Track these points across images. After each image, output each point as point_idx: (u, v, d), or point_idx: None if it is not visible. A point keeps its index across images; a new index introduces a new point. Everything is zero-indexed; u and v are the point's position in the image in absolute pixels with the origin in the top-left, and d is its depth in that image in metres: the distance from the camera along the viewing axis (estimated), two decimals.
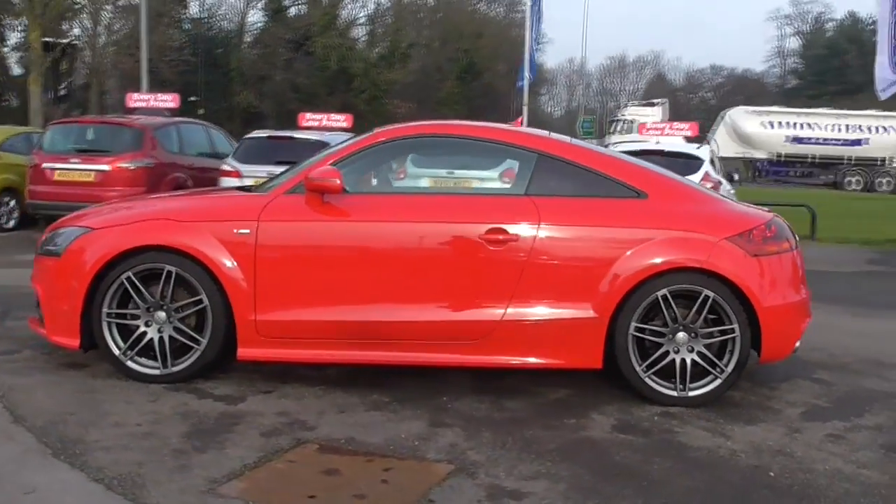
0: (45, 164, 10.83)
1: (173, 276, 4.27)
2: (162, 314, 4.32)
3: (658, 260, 4.17)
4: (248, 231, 4.27)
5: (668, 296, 4.17)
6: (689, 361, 4.22)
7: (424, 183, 10.38)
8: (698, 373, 4.24)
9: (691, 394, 4.22)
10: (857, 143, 32.13)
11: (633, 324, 4.19)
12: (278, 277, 4.26)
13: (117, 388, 4.24)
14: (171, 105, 13.47)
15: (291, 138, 11.35)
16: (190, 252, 4.24)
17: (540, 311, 4.22)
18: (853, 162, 32.50)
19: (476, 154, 4.60)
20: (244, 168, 10.85)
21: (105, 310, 4.31)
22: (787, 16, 76.85)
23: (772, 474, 3.42)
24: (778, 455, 3.64)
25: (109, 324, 4.33)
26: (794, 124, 32.54)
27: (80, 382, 4.33)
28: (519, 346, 4.26)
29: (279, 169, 10.66)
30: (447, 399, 4.28)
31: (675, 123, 12.35)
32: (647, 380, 4.22)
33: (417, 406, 4.15)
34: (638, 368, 4.21)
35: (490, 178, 9.96)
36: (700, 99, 74.97)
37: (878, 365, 5.19)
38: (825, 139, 32.29)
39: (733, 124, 32.96)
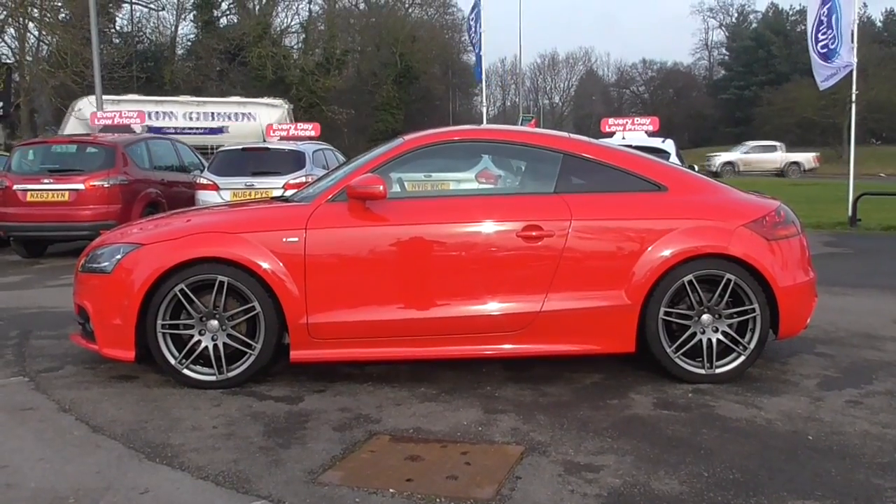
0: (16, 186, 10.70)
1: (225, 285, 4.43)
2: (215, 322, 4.49)
3: (683, 248, 4.50)
4: (296, 239, 4.46)
5: (694, 281, 4.52)
6: (714, 341, 4.56)
7: (398, 188, 10.70)
8: (722, 351, 4.58)
9: (718, 371, 4.56)
10: (220, 130, 27.45)
11: (663, 308, 4.52)
12: (327, 281, 4.47)
13: (176, 396, 4.38)
14: (137, 122, 13.41)
15: (266, 149, 11.47)
16: (241, 262, 4.42)
17: (576, 301, 4.52)
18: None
19: (503, 157, 4.86)
20: (221, 181, 10.95)
21: (160, 321, 4.46)
22: (710, 9, 79.46)
23: (810, 438, 3.77)
24: (809, 421, 4.00)
25: (164, 335, 4.47)
26: (152, 113, 26.01)
27: (139, 392, 4.46)
28: (557, 335, 4.55)
29: (257, 180, 10.92)
30: (490, 388, 4.55)
31: (637, 118, 12.66)
32: (677, 360, 4.55)
33: (465, 396, 4.41)
34: (668, 350, 4.54)
35: (466, 180, 10.27)
36: (633, 93, 76.67)
37: (869, 337, 5.64)
38: (184, 128, 26.85)
39: (81, 115, 25.52)
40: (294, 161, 11.24)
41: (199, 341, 4.50)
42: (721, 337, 4.58)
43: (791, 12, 67.02)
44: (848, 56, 14.81)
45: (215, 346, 4.50)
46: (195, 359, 4.50)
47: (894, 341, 5.60)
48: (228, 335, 4.50)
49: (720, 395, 4.39)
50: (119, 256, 4.56)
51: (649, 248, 4.51)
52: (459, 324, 4.50)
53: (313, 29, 51.10)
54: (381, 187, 4.42)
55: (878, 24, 64.77)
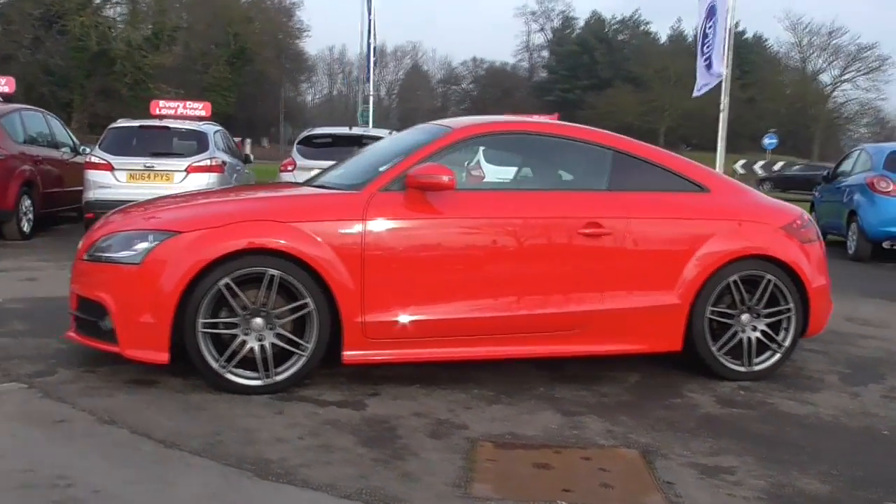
0: None
1: (276, 280, 4.02)
2: (259, 321, 4.06)
3: (731, 248, 4.59)
4: (354, 231, 4.12)
5: (738, 280, 4.62)
6: (753, 339, 4.69)
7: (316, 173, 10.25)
8: (759, 349, 4.72)
9: (756, 368, 4.70)
10: None
11: (709, 308, 4.60)
12: (386, 277, 4.16)
13: (222, 402, 3.92)
14: (6, 90, 11.98)
15: (166, 128, 10.61)
16: (295, 254, 4.02)
17: (630, 300, 4.49)
18: None
19: (551, 150, 4.73)
20: (116, 160, 10.04)
21: (201, 320, 3.97)
22: (533, 13, 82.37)
23: (885, 433, 3.96)
24: (867, 416, 4.19)
25: (205, 335, 3.99)
26: None
27: (174, 399, 3.96)
28: (612, 334, 4.51)
29: (157, 161, 10.05)
30: (544, 389, 4.42)
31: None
32: (720, 358, 4.64)
33: (525, 398, 4.25)
34: (713, 349, 4.62)
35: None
36: (463, 90, 78.12)
37: (838, 335, 6.01)
38: None
39: None
40: (197, 142, 10.48)
41: (243, 342, 4.05)
42: (760, 335, 4.71)
43: (612, 21, 71.04)
44: (719, 67, 15.83)
45: (262, 346, 4.06)
46: (237, 362, 4.05)
47: (863, 337, 6.03)
48: (276, 335, 4.09)
49: (768, 392, 4.52)
50: (149, 245, 4.01)
51: (700, 248, 4.56)
52: (519, 322, 4.35)
53: (143, 1, 47.96)
54: (448, 177, 4.17)
55: (690, 38, 69.88)
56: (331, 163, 10.26)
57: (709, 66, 16.15)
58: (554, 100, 66.69)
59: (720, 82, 15.88)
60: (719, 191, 4.79)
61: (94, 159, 10.09)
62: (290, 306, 4.06)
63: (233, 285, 3.98)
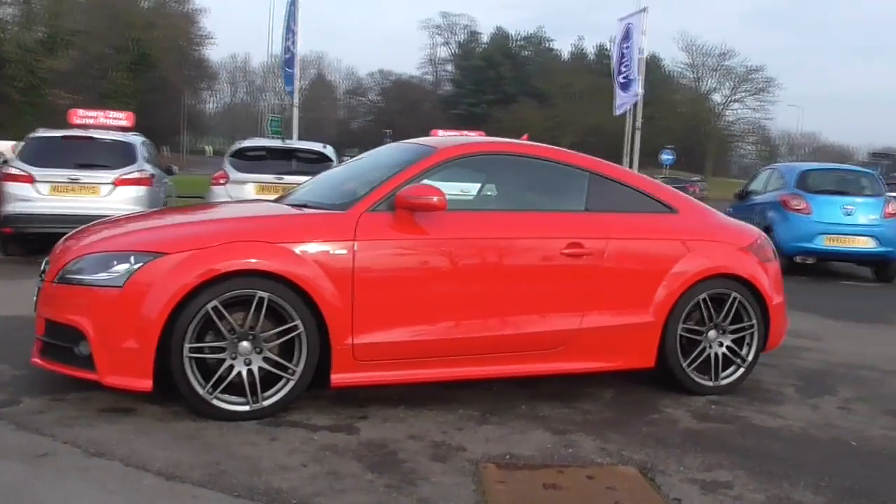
0: None
1: (265, 302, 3.93)
2: (246, 344, 3.96)
3: (701, 268, 4.77)
4: (345, 251, 4.07)
5: (707, 298, 4.79)
6: (720, 354, 4.88)
7: (251, 187, 10.07)
8: (723, 364, 4.90)
9: (722, 382, 4.88)
10: None
11: (680, 325, 4.75)
12: (376, 298, 4.13)
13: (212, 430, 3.80)
14: None
15: (91, 138, 10.18)
16: (285, 275, 3.94)
17: (610, 319, 4.60)
18: None
19: (532, 171, 4.79)
20: (37, 172, 9.59)
21: (188, 345, 3.83)
22: (437, 26, 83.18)
23: (854, 444, 4.18)
24: (832, 428, 4.40)
25: (191, 360, 3.86)
26: None
27: (160, 427, 3.81)
28: (591, 352, 4.60)
29: (82, 173, 9.63)
30: (526, 407, 4.47)
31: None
32: (690, 374, 4.80)
33: (511, 417, 4.29)
34: (683, 364, 4.77)
35: None
36: (370, 101, 77.99)
37: (789, 349, 6.24)
38: None
39: None
40: (124, 154, 10.10)
41: (230, 366, 3.93)
42: (725, 351, 4.90)
43: (517, 37, 72.39)
44: (636, 87, 16.39)
45: (249, 371, 3.96)
46: (218, 386, 3.93)
47: (805, 350, 6.33)
48: (264, 359, 3.99)
49: (737, 406, 4.69)
50: (132, 266, 3.85)
51: (672, 268, 4.71)
52: (505, 342, 4.38)
53: (37, 2, 45.92)
54: (437, 198, 4.17)
55: (591, 56, 72.01)
56: (265, 176, 10.22)
57: (626, 87, 16.70)
58: (461, 113, 67.48)
59: (636, 101, 16.50)
60: (686, 212, 4.96)
61: (12, 170, 9.59)
62: (278, 329, 3.98)
63: (221, 308, 3.87)
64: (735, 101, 63.27)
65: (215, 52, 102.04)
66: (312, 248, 4.03)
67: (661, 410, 4.55)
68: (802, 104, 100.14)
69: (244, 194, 9.87)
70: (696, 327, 4.82)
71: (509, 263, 4.39)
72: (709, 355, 4.84)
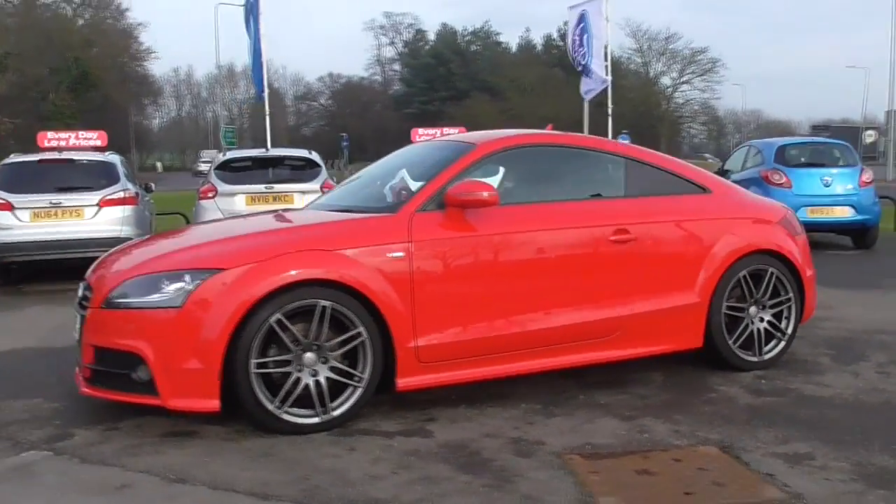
0: None
1: (328, 311, 3.86)
2: (311, 355, 3.89)
3: (741, 245, 4.82)
4: (402, 254, 4.03)
5: (747, 275, 4.85)
6: (761, 330, 4.93)
7: (241, 199, 9.92)
8: (765, 338, 4.96)
9: (766, 357, 4.94)
10: None
11: (724, 303, 4.79)
12: (436, 298, 4.09)
13: (286, 445, 3.73)
14: None
15: (70, 160, 9.92)
16: (347, 282, 3.88)
17: (659, 302, 4.62)
18: None
19: (572, 161, 4.79)
20: (16, 198, 9.32)
21: (253, 360, 3.76)
22: (382, 26, 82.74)
23: None
24: (878, 392, 4.49)
25: (258, 375, 3.78)
26: None
27: (229, 447, 3.73)
28: (643, 337, 4.62)
29: (64, 196, 9.38)
30: (584, 397, 4.48)
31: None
32: (735, 351, 4.85)
33: (573, 407, 4.29)
34: (729, 342, 4.82)
35: (311, 191, 9.86)
36: (322, 105, 77.37)
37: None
38: None
39: None
40: (104, 174, 9.86)
41: (297, 379, 3.86)
42: (766, 326, 4.95)
43: (464, 33, 72.48)
44: (602, 73, 16.48)
45: (317, 382, 3.89)
46: (287, 400, 3.86)
47: (824, 320, 6.40)
48: (331, 368, 3.93)
49: (785, 379, 4.75)
50: (188, 285, 3.76)
51: (714, 247, 4.76)
52: (561, 333, 4.38)
53: None
54: (488, 193, 4.14)
55: (539, 47, 72.41)
56: (255, 186, 10.06)
57: (587, 73, 16.78)
58: (414, 112, 67.32)
59: (606, 87, 16.61)
60: (718, 191, 5.01)
61: None
62: (342, 337, 3.91)
63: (284, 321, 3.80)
64: (683, 83, 64.36)
65: (158, 67, 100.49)
66: (369, 252, 3.98)
67: (715, 389, 4.59)
68: (744, 83, 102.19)
69: (234, 206, 9.73)
70: (737, 304, 4.87)
71: (560, 254, 4.39)
72: (751, 331, 4.89)
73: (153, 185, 12.40)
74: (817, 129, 60.82)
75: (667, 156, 5.14)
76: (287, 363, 3.84)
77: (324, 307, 3.85)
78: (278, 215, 4.82)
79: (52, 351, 5.69)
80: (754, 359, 4.90)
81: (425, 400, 4.33)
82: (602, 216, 4.53)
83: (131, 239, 7.30)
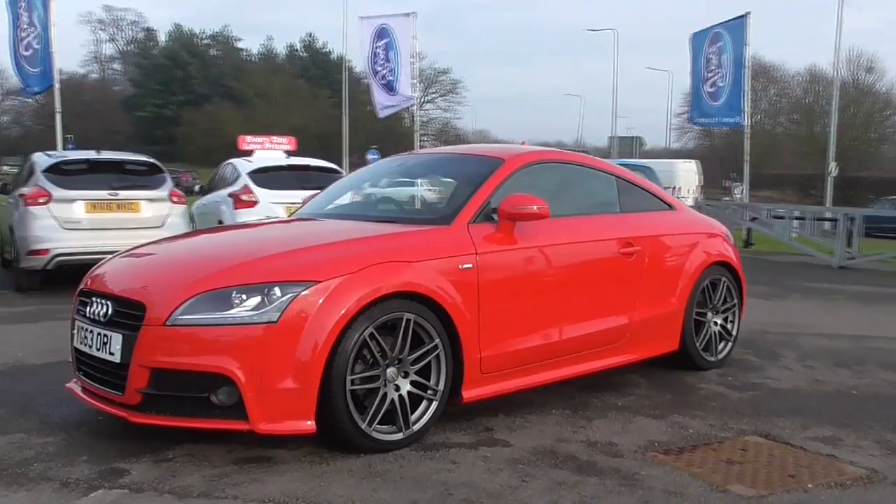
0: None
1: (412, 324, 3.80)
2: (392, 370, 3.79)
3: (707, 257, 5.40)
4: (471, 266, 4.06)
5: (709, 284, 5.43)
6: (715, 333, 5.54)
7: (80, 205, 9.01)
8: (717, 341, 5.57)
9: (720, 357, 5.55)
10: None
11: (694, 310, 5.33)
12: (497, 309, 4.16)
13: (384, 464, 3.60)
14: None
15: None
16: (430, 294, 3.84)
17: (652, 310, 5.03)
18: None
19: (578, 177, 5.04)
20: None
21: (349, 377, 3.59)
22: (101, 21, 76.79)
23: (855, 393, 5.04)
24: (824, 383, 5.25)
25: (352, 392, 3.61)
26: None
27: (324, 470, 3.53)
28: (638, 343, 5.00)
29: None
30: (597, 401, 4.75)
31: (275, 138, 12.62)
32: (700, 352, 5.40)
33: (599, 411, 4.53)
34: (697, 344, 5.36)
35: (159, 198, 9.32)
36: (37, 102, 69.78)
37: None
38: None
39: None
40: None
41: (384, 394, 3.74)
42: (719, 329, 5.57)
43: (203, 35, 69.55)
44: (407, 91, 16.90)
45: (400, 397, 3.79)
46: (376, 417, 3.73)
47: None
48: (411, 382, 3.84)
49: (742, 375, 5.38)
50: (282, 298, 3.50)
51: (688, 258, 5.28)
52: (591, 340, 4.65)
53: None
54: (538, 207, 4.28)
55: (282, 57, 71.36)
56: (97, 192, 9.19)
57: (390, 88, 17.15)
58: (147, 115, 63.42)
59: (411, 105, 17.07)
60: (679, 208, 5.56)
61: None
62: (422, 350, 3.85)
63: (376, 335, 3.67)
64: (427, 102, 66.93)
65: None
66: (443, 264, 3.96)
67: (699, 386, 5.09)
68: (475, 105, 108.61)
69: (73, 213, 8.86)
70: (700, 310, 5.42)
71: (593, 265, 4.66)
72: (710, 334, 5.48)
73: None
74: None
75: (637, 176, 5.59)
76: (376, 378, 3.71)
77: (408, 320, 3.77)
78: (305, 224, 4.60)
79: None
80: (713, 359, 5.49)
81: (461, 412, 4.33)
82: (614, 229, 4.86)
83: None
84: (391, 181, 5.32)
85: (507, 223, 4.28)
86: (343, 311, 3.55)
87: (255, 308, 3.49)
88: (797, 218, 16.13)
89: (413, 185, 5.40)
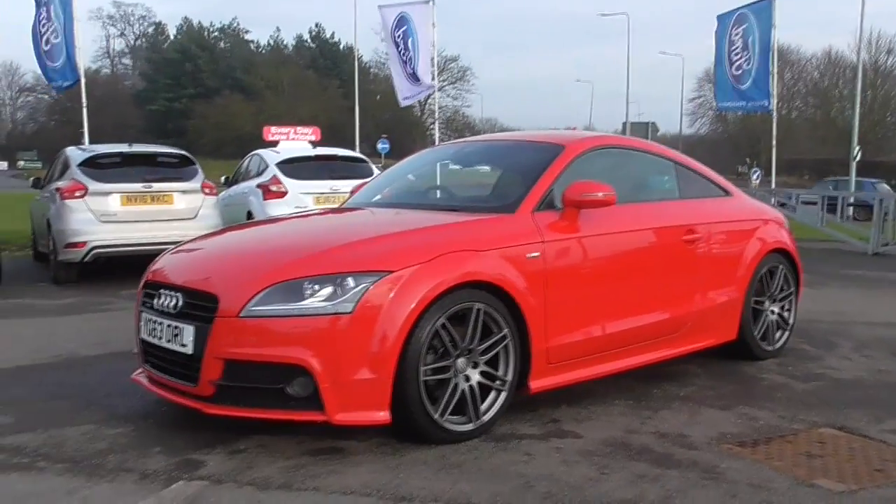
0: None
1: (482, 313, 3.72)
2: (462, 360, 3.71)
3: (765, 244, 5.29)
4: (538, 254, 3.97)
5: (766, 272, 5.33)
6: (773, 321, 5.44)
7: (116, 198, 8.97)
8: (775, 330, 5.46)
9: (777, 346, 5.45)
10: None
11: (752, 298, 5.23)
12: (563, 298, 4.08)
13: (458, 456, 3.53)
14: None
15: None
16: (500, 284, 3.76)
17: (713, 298, 4.94)
18: None
19: (638, 163, 4.95)
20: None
21: (422, 367, 3.52)
22: (110, 16, 76.83)
23: None
24: (884, 373, 5.14)
25: (424, 383, 3.54)
26: None
27: (396, 460, 3.47)
28: (697, 333, 4.90)
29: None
30: (658, 391, 4.66)
31: (300, 128, 12.56)
32: (759, 341, 5.30)
33: (662, 402, 4.42)
34: (755, 334, 5.27)
35: (192, 190, 9.27)
36: (52, 98, 70.09)
37: None
38: None
39: None
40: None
41: (455, 385, 3.67)
42: (777, 318, 5.47)
43: (212, 28, 69.48)
44: (428, 79, 16.75)
45: (471, 388, 3.72)
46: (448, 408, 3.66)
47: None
48: (481, 372, 3.77)
49: (802, 365, 5.28)
50: (357, 288, 3.43)
51: (747, 246, 5.18)
52: (652, 329, 4.55)
53: None
54: (604, 194, 4.18)
55: (290, 48, 71.25)
56: (132, 185, 9.17)
57: (413, 77, 17.00)
58: (158, 109, 63.48)
59: (431, 93, 16.96)
60: (737, 194, 5.45)
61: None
62: (492, 339, 3.78)
63: (448, 325, 3.60)
64: (437, 90, 66.78)
65: None
66: (511, 253, 3.88)
67: (760, 377, 4.99)
68: (483, 93, 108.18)
69: (108, 206, 8.84)
70: (758, 299, 5.32)
71: (657, 253, 4.57)
72: (768, 323, 5.38)
73: None
74: None
75: (695, 161, 5.48)
76: (447, 369, 3.64)
77: (478, 309, 3.70)
78: (364, 213, 4.53)
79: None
80: (770, 348, 5.39)
81: (525, 403, 4.24)
82: (676, 216, 4.77)
83: None
84: (447, 169, 5.25)
85: (573, 210, 4.19)
86: (416, 301, 3.48)
87: (328, 298, 3.42)
88: (831, 202, 15.70)
89: (471, 172, 5.31)
